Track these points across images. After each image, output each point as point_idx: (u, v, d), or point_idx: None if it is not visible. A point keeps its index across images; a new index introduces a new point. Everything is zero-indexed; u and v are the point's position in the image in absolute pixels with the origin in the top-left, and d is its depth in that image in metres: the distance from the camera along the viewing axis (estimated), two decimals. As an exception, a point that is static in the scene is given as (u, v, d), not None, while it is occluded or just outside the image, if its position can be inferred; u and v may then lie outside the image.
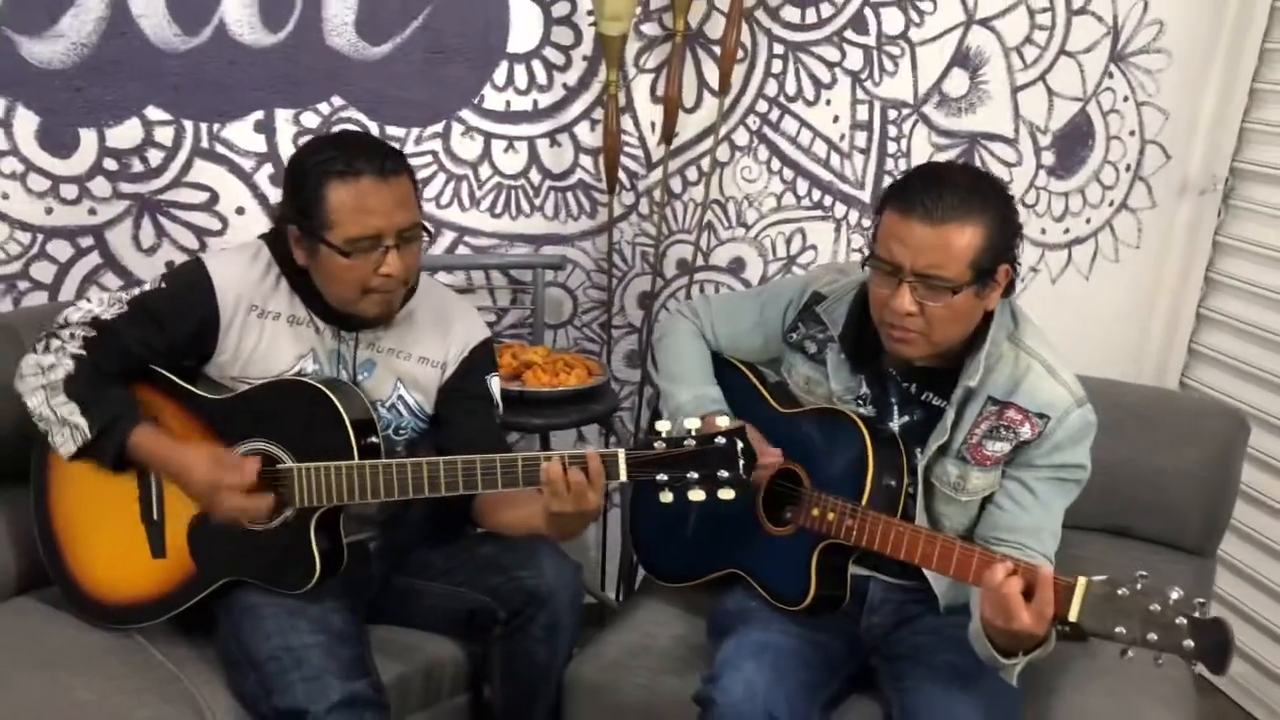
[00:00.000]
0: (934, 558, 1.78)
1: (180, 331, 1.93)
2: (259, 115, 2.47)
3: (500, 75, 2.61)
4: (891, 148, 2.91)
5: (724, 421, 1.79)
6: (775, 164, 2.85)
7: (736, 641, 1.89)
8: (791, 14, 2.76)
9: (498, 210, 2.69)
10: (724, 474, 1.76)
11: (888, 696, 1.92)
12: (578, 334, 2.85)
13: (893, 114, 2.89)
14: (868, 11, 2.80)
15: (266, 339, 1.96)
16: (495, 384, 2.10)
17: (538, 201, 2.71)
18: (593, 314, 2.84)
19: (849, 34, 2.80)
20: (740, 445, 1.76)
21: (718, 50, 2.72)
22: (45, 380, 1.91)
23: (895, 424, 1.95)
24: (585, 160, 2.72)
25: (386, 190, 1.85)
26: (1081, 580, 1.61)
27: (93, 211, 2.40)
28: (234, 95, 2.43)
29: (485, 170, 2.65)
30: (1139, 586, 1.57)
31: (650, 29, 2.69)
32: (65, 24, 2.29)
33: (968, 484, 1.89)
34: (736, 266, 2.90)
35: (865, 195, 2.92)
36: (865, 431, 1.91)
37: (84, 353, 1.90)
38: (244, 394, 1.94)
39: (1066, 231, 3.10)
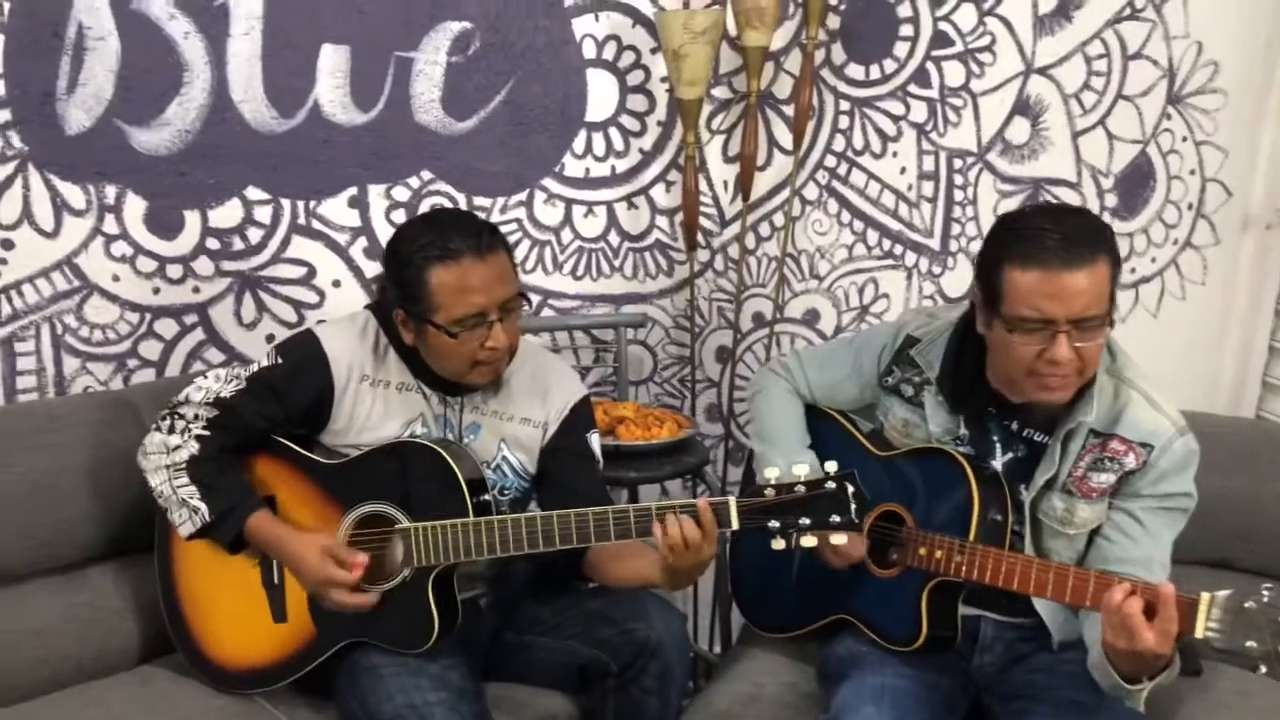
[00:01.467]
0: (1048, 586, 1.76)
1: (297, 403, 1.95)
2: (353, 191, 2.51)
3: (579, 143, 2.64)
4: (958, 195, 2.92)
5: (832, 466, 1.78)
6: (845, 216, 2.87)
7: (853, 686, 1.87)
8: (856, 71, 2.80)
9: (579, 273, 2.72)
10: (836, 518, 1.76)
11: None
12: (659, 390, 2.86)
13: (958, 163, 2.91)
14: (929, 65, 2.83)
15: (378, 406, 1.98)
16: (595, 440, 2.11)
17: (617, 262, 2.74)
18: (672, 370, 2.85)
19: (912, 88, 2.83)
20: (851, 489, 1.76)
21: (786, 109, 2.76)
22: (170, 460, 1.93)
23: (998, 462, 1.94)
24: (661, 221, 2.75)
25: (486, 268, 1.87)
26: (1205, 595, 1.58)
27: (197, 290, 2.44)
28: (328, 173, 2.47)
29: (567, 235, 2.69)
30: (1265, 599, 1.54)
31: (721, 92, 2.72)
32: (171, 112, 2.34)
33: (1075, 517, 1.88)
34: (811, 318, 2.91)
35: (934, 243, 2.93)
36: (968, 468, 1.89)
37: (208, 433, 1.93)
38: (359, 458, 1.95)
39: (1133, 271, 3.10)
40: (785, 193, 2.80)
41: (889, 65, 2.81)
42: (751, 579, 2.21)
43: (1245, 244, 3.18)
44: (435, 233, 1.88)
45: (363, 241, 2.54)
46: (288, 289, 2.50)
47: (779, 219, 2.82)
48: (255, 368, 1.97)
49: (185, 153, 2.37)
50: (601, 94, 2.63)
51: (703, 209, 2.76)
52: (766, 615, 2.18)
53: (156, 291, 2.42)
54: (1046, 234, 1.73)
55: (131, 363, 2.42)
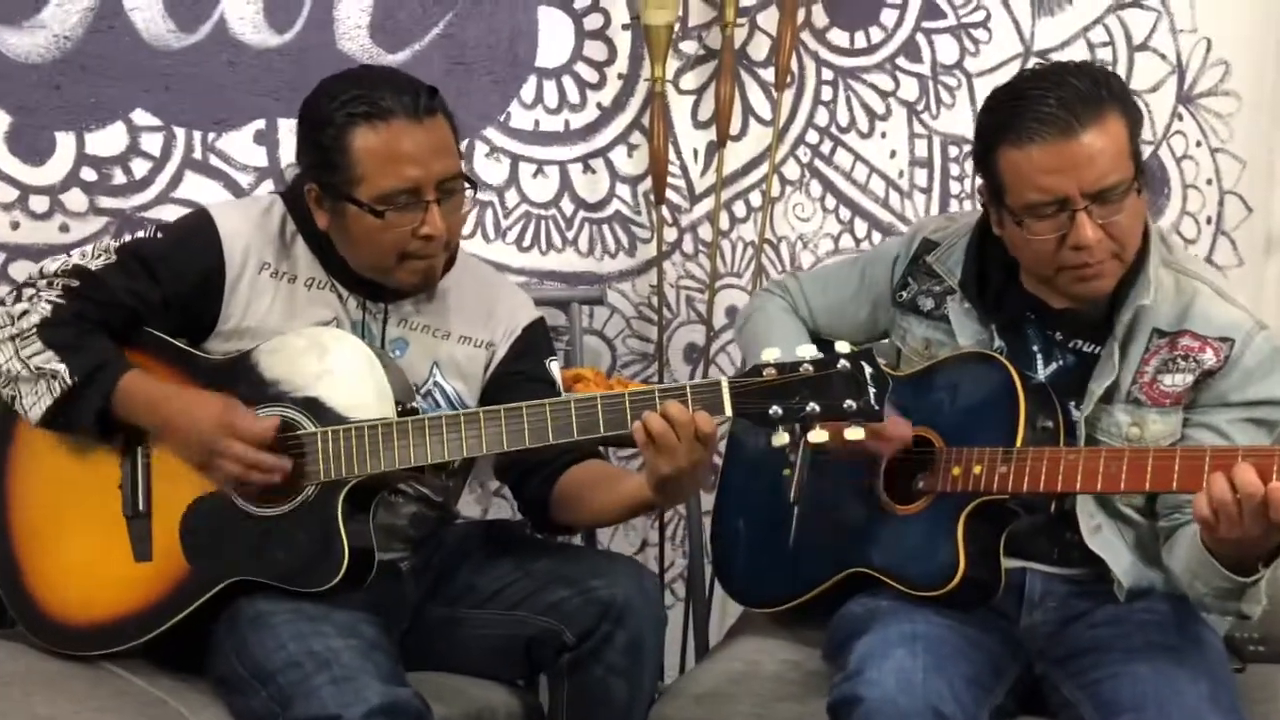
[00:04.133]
0: (1121, 475, 1.62)
1: (177, 285, 1.81)
2: (260, 124, 2.39)
3: (528, 91, 2.56)
4: (955, 188, 2.83)
5: (844, 346, 1.64)
6: (830, 201, 2.77)
7: (875, 636, 1.69)
8: (839, 38, 2.74)
9: (525, 243, 2.60)
10: (850, 403, 1.61)
11: (1072, 701, 1.70)
12: (617, 393, 2.68)
13: (954, 150, 2.83)
14: (920, 38, 2.79)
15: (280, 304, 1.84)
16: (557, 370, 1.97)
17: (570, 234, 2.62)
18: (635, 368, 2.69)
19: (902, 61, 2.78)
20: (869, 369, 1.62)
21: (762, 73, 2.69)
22: (15, 330, 1.75)
23: (1041, 375, 1.82)
24: (622, 190, 2.65)
25: (423, 133, 1.75)
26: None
27: (65, 228, 2.30)
28: (232, 101, 2.36)
29: (512, 197, 2.58)
30: None
31: (689, 47, 2.65)
32: (48, 13, 2.24)
33: (1145, 432, 1.75)
34: (793, 316, 2.78)
35: (931, 238, 2.84)
36: (1008, 366, 1.78)
37: (63, 300, 1.76)
38: (255, 350, 1.78)
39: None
40: (763, 168, 2.70)
41: (875, 34, 2.77)
42: (738, 548, 2.05)
43: (1270, 266, 3.11)
44: (363, 87, 1.77)
45: (268, 184, 2.41)
46: (176, 234, 2.34)
47: (756, 198, 2.72)
48: (129, 238, 1.84)
49: (62, 63, 2.26)
50: (554, 36, 2.56)
51: (671, 180, 2.65)
52: (759, 586, 2.01)
53: (15, 227, 2.29)
54: (1041, 99, 1.67)
55: (-25, 310, 2.21)
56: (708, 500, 2.46)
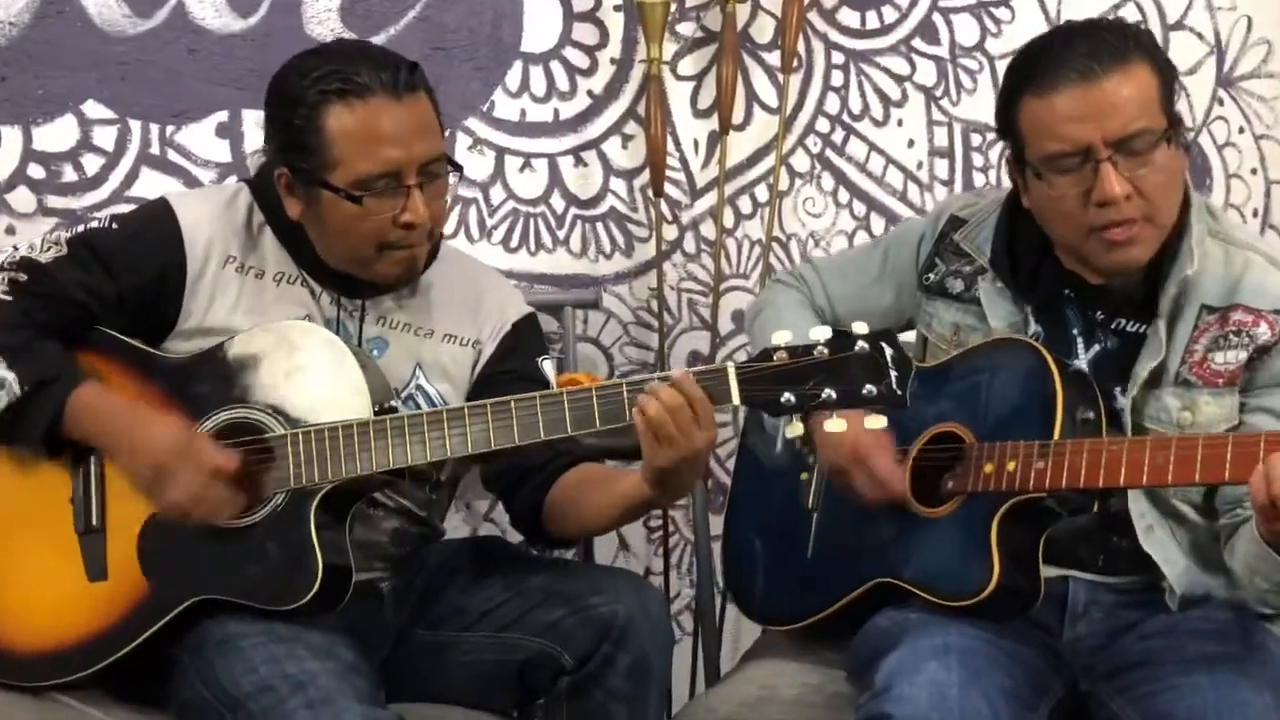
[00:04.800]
0: (1169, 466, 1.60)
1: (134, 280, 1.80)
2: (222, 116, 2.41)
3: (513, 78, 2.57)
4: (979, 180, 2.85)
5: (861, 327, 1.64)
6: (843, 195, 2.78)
7: (905, 651, 1.68)
8: (850, 17, 2.76)
9: (513, 243, 2.61)
10: (870, 388, 1.60)
11: (1122, 718, 1.69)
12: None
13: (976, 139, 2.84)
14: (937, 17, 2.81)
15: (246, 300, 1.83)
16: (550, 369, 1.96)
17: (561, 234, 2.63)
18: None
19: (918, 43, 2.80)
20: (890, 351, 1.61)
21: (767, 57, 2.70)
22: None
23: (1082, 360, 1.82)
24: (617, 184, 2.66)
25: (403, 112, 1.75)
26: None
27: (10, 230, 2.32)
28: (193, 91, 2.38)
29: (497, 193, 2.59)
30: None
31: (687, 29, 2.67)
32: None
33: (1197, 415, 1.75)
34: (805, 322, 2.78)
35: (954, 234, 2.85)
36: (1044, 354, 1.77)
37: (9, 298, 1.76)
38: (218, 349, 1.78)
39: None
40: (770, 160, 2.71)
41: (889, 14, 2.78)
42: (752, 563, 2.04)
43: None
44: (338, 63, 1.77)
45: (233, 180, 2.37)
46: (131, 237, 2.36)
47: (762, 193, 2.73)
48: (82, 228, 1.83)
49: (7, 50, 2.30)
50: (541, 18, 2.58)
51: (670, 174, 2.66)
52: (776, 604, 2.00)
53: (-45, 228, 2.33)
54: (1066, 48, 1.72)
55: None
56: (716, 524, 2.46)
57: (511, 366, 1.91)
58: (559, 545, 1.95)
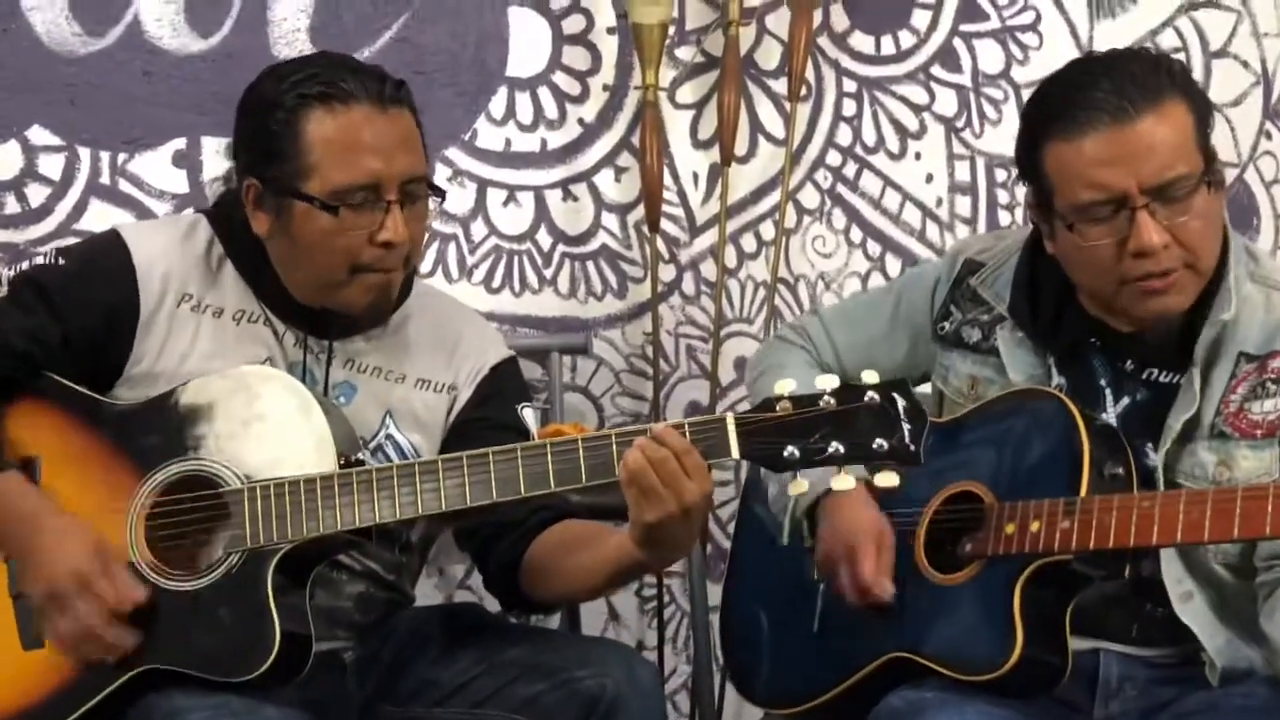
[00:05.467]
0: (1205, 522, 1.63)
1: (82, 320, 1.82)
2: (180, 144, 2.44)
3: (498, 105, 2.60)
4: (1004, 218, 2.87)
5: (872, 376, 1.65)
6: (856, 234, 2.79)
7: None
8: (863, 43, 2.79)
9: (496, 283, 2.62)
10: (880, 443, 1.61)
11: None
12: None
13: (1001, 174, 2.86)
14: (958, 43, 2.83)
15: (204, 342, 1.85)
16: (533, 419, 1.97)
17: (549, 273, 2.65)
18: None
19: (937, 70, 2.82)
20: (902, 402, 1.63)
21: (773, 85, 2.72)
22: None
23: (1111, 414, 1.84)
24: (609, 220, 2.68)
25: (387, 123, 1.79)
26: None
27: None
28: (148, 117, 2.41)
29: (479, 229, 2.61)
30: None
31: (686, 53, 2.69)
32: None
33: (1235, 470, 1.77)
34: (813, 371, 2.79)
35: (977, 277, 2.86)
36: (1068, 405, 1.79)
37: None
38: (170, 395, 1.79)
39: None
40: (776, 195, 2.73)
41: (906, 39, 2.81)
42: (753, 639, 2.04)
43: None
44: (320, 69, 1.82)
45: (190, 212, 2.37)
46: (80, 274, 2.37)
47: (768, 231, 2.74)
48: (25, 265, 1.87)
49: None
50: (528, 41, 2.61)
51: (667, 209, 2.67)
52: (780, 683, 2.00)
53: (-112, 263, 2.34)
54: (1092, 86, 1.74)
55: None
56: (715, 593, 2.46)
57: (488, 414, 1.92)
58: (538, 610, 1.95)
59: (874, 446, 1.60)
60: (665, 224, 2.66)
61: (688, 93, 2.69)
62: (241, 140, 1.84)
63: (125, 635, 1.69)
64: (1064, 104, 1.75)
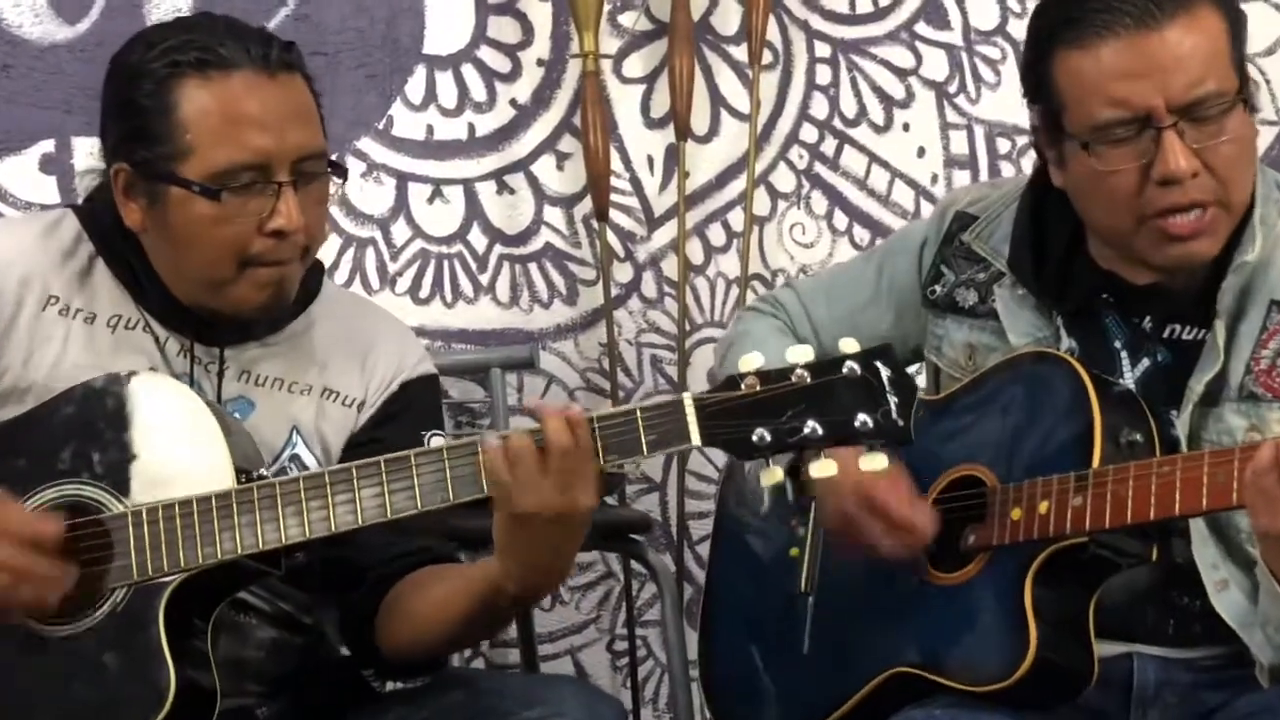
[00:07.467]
0: (1232, 485, 1.64)
1: None
2: (47, 147, 2.50)
3: (416, 88, 2.65)
4: (1009, 192, 2.90)
5: (850, 345, 1.65)
6: (840, 219, 2.84)
7: None
8: (835, 1, 2.84)
9: (423, 293, 2.66)
10: (864, 419, 1.61)
11: None
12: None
13: (1004, 144, 2.90)
14: (945, -3, 2.88)
15: (75, 350, 1.86)
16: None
17: (484, 279, 2.68)
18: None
19: (922, 28, 2.87)
20: (887, 372, 1.62)
21: (733, 51, 2.77)
22: None
23: (1128, 378, 1.86)
24: (553, 214, 2.72)
25: (276, 90, 1.80)
26: None
27: None
28: (9, 117, 2.46)
29: (401, 231, 2.65)
30: None
31: (628, 19, 2.74)
32: None
33: (1267, 433, 1.77)
34: (797, 378, 2.83)
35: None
36: (1072, 363, 1.81)
37: None
38: (42, 409, 1.80)
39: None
40: (743, 179, 2.77)
41: (884, -6, 2.87)
42: (739, 673, 2.05)
43: None
44: (195, 33, 1.83)
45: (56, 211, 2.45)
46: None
47: (737, 219, 2.78)
48: None
49: None
50: (448, 13, 2.66)
51: (618, 198, 2.71)
52: (769, 714, 2.00)
53: None
54: None
55: None
56: (693, 647, 2.48)
57: (384, 436, 1.90)
58: (398, 672, 1.93)
59: (857, 424, 1.60)
60: (617, 216, 2.71)
61: (636, 65, 2.73)
62: (107, 118, 1.85)
63: (53, 566, 1.68)
64: (1078, 5, 1.76)
